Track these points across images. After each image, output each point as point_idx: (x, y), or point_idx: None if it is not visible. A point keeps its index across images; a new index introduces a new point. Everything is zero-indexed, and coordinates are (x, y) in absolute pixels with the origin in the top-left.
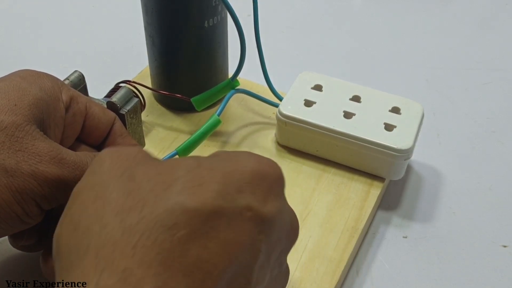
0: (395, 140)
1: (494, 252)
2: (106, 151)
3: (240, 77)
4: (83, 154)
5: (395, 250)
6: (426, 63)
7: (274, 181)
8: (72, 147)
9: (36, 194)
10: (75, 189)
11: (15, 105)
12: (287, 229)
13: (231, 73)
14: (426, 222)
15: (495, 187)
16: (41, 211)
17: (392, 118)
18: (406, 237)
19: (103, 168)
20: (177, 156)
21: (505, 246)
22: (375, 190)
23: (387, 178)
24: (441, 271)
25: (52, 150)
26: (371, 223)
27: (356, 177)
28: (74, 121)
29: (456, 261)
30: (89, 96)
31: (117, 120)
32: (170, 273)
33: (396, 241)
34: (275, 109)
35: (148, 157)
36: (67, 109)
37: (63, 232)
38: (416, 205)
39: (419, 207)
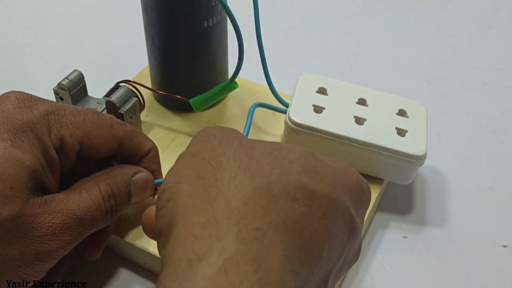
0: (410, 146)
1: (494, 252)
2: (208, 128)
3: (239, 77)
4: (84, 192)
5: (395, 250)
6: (426, 63)
7: (366, 200)
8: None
9: (43, 267)
10: (186, 152)
11: (11, 188)
12: (355, 250)
13: (231, 73)
14: (426, 222)
15: (495, 187)
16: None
17: (401, 122)
18: (406, 237)
19: (215, 135)
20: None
21: (505, 246)
22: (374, 191)
23: (399, 182)
24: (441, 271)
25: (50, 225)
26: (370, 223)
27: None
28: (68, 157)
29: (456, 262)
30: (88, 96)
31: (126, 136)
32: (292, 244)
33: (396, 241)
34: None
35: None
36: (58, 150)
37: (183, 180)
38: (416, 205)
39: (419, 207)
